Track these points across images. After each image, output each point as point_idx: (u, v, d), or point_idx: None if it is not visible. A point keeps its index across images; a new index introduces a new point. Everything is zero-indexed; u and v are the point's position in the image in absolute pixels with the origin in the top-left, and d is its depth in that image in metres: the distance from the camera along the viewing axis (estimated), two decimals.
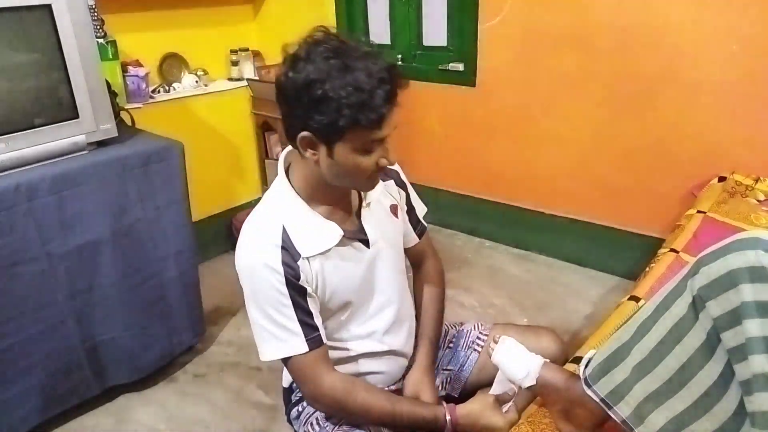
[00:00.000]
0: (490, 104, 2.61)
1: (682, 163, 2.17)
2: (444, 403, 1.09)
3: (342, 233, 1.05)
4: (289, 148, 1.07)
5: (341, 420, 1.12)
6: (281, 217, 1.03)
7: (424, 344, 1.24)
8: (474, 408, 1.06)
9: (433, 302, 1.30)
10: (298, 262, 1.01)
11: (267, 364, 2.04)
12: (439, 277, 1.34)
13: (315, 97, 0.90)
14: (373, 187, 1.08)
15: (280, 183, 1.07)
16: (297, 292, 1.01)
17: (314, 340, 1.03)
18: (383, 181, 1.19)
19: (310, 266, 1.03)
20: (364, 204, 1.11)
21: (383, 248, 1.14)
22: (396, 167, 1.25)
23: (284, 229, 1.02)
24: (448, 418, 1.05)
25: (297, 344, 1.02)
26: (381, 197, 1.17)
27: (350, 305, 1.12)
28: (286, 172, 1.08)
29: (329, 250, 1.05)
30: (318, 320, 1.05)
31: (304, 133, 0.95)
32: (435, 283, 1.33)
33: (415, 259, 1.34)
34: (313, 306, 1.04)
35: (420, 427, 1.05)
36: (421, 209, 1.33)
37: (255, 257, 1.01)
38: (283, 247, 1.00)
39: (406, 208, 1.26)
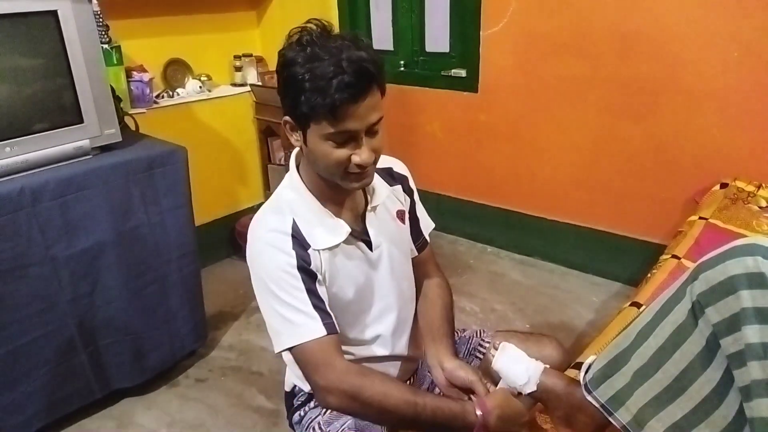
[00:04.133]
0: (493, 110, 2.62)
1: (684, 169, 2.17)
2: (472, 397, 1.04)
3: (349, 230, 1.06)
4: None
5: (344, 425, 1.12)
6: (291, 210, 1.04)
7: (445, 341, 1.19)
8: (500, 398, 1.02)
9: (446, 312, 1.25)
10: (309, 251, 1.02)
11: (268, 369, 2.05)
12: (445, 290, 1.30)
13: (285, 79, 0.94)
14: (359, 186, 1.02)
15: (290, 178, 1.09)
16: (309, 276, 1.01)
17: (329, 326, 1.00)
18: (391, 185, 1.19)
19: (321, 258, 1.04)
20: (369, 207, 1.12)
21: (386, 253, 1.14)
22: (406, 173, 1.25)
23: (294, 222, 1.03)
24: (479, 412, 0.98)
25: (314, 328, 0.98)
26: (387, 201, 1.17)
27: (351, 306, 1.12)
28: (298, 168, 1.09)
29: (337, 246, 1.06)
30: (329, 308, 1.03)
31: (285, 117, 0.99)
32: (442, 295, 1.28)
33: (416, 276, 1.29)
34: (323, 294, 1.03)
35: (445, 421, 0.98)
36: (426, 223, 1.30)
37: (266, 243, 1.02)
38: (293, 236, 1.01)
39: (409, 216, 1.25)
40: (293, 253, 1.00)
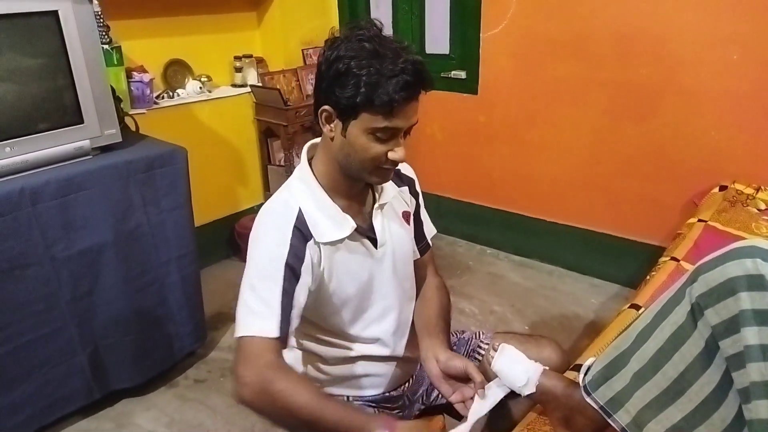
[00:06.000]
0: (492, 112, 2.62)
1: (683, 171, 2.18)
2: (384, 416, 1.00)
3: (355, 226, 1.06)
4: (315, 139, 1.09)
5: None
6: (299, 200, 1.05)
7: (441, 336, 1.17)
8: (414, 427, 0.95)
9: (443, 311, 1.24)
10: (307, 245, 1.02)
11: None
12: (443, 292, 1.30)
13: (340, 71, 0.94)
14: (381, 181, 1.08)
15: (301, 170, 1.09)
16: (293, 275, 0.99)
17: (284, 332, 0.96)
18: (398, 186, 1.21)
19: (321, 252, 1.04)
20: (376, 205, 1.13)
21: (390, 251, 1.15)
22: (412, 176, 1.27)
23: (300, 211, 1.03)
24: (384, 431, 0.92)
25: (269, 327, 0.95)
26: (394, 202, 1.18)
27: (351, 302, 1.12)
28: (309, 162, 1.10)
29: (341, 240, 1.06)
30: (295, 320, 1.00)
31: (325, 107, 0.99)
32: (440, 296, 1.28)
33: (414, 276, 1.28)
34: (299, 300, 1.00)
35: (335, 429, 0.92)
36: (429, 228, 1.32)
37: (265, 230, 1.03)
38: (296, 226, 1.01)
39: (414, 218, 1.26)
40: (288, 246, 0.99)
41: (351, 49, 0.94)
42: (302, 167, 1.09)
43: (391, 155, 0.99)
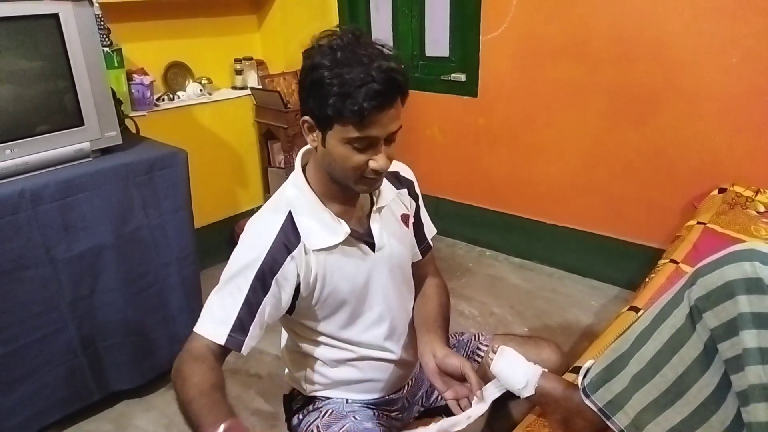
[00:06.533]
0: (492, 114, 2.63)
1: (682, 174, 2.18)
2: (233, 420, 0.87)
3: (349, 231, 1.05)
4: (308, 146, 1.08)
5: (342, 428, 1.12)
6: (291, 207, 1.04)
7: (439, 332, 1.16)
8: None
9: (442, 309, 1.24)
10: (290, 256, 1.00)
11: (267, 371, 2.05)
12: (443, 290, 1.30)
13: (312, 81, 0.93)
14: (368, 190, 1.07)
15: (295, 176, 1.09)
16: (261, 287, 0.99)
17: (233, 341, 0.97)
18: (397, 189, 1.20)
19: (313, 259, 1.03)
20: (374, 208, 1.12)
21: (388, 255, 1.14)
22: (412, 178, 1.26)
23: (290, 219, 1.02)
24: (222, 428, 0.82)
25: (218, 331, 0.96)
26: (393, 204, 1.17)
27: (347, 305, 1.11)
28: (303, 169, 1.09)
29: (335, 246, 1.05)
30: (255, 331, 0.99)
31: (305, 117, 0.99)
32: (440, 293, 1.28)
33: (415, 278, 1.29)
34: (264, 312, 1.00)
35: (192, 416, 0.87)
36: (429, 228, 1.32)
37: (247, 238, 1.03)
38: (279, 236, 1.00)
39: (413, 220, 1.26)
40: (263, 257, 0.98)
41: (323, 57, 0.92)
42: (296, 173, 1.09)
43: (371, 164, 0.97)
